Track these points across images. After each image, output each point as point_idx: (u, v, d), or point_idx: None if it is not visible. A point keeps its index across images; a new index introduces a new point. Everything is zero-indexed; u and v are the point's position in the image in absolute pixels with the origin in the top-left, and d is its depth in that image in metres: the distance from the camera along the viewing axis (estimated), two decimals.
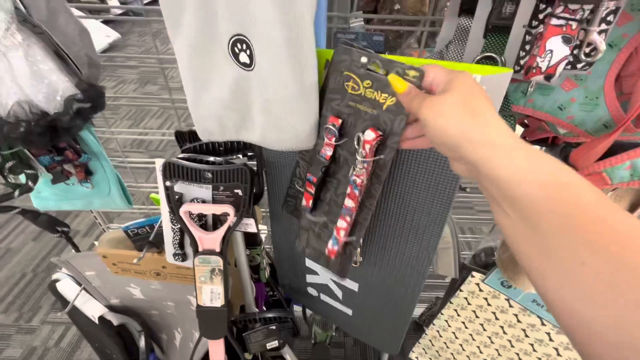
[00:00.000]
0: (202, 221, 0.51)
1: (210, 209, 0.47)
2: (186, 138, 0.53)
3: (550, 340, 0.69)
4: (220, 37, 0.33)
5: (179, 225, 0.52)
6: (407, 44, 0.53)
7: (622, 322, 0.17)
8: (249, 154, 0.52)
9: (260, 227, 0.83)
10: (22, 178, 0.56)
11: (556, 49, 0.31)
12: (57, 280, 0.70)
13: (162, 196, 0.48)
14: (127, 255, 0.59)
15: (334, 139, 0.38)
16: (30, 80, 0.34)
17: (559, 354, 0.70)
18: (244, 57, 0.34)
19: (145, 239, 0.62)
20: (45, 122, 0.35)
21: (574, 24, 0.29)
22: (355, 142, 0.37)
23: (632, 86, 0.36)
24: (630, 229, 0.18)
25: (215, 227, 0.52)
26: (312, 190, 0.42)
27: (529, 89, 0.39)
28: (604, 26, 0.29)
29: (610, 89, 0.37)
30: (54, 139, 0.37)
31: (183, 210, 0.47)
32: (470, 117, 0.24)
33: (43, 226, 0.62)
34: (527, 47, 0.33)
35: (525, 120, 0.50)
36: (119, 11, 3.01)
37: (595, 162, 0.37)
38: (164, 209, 0.50)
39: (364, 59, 0.34)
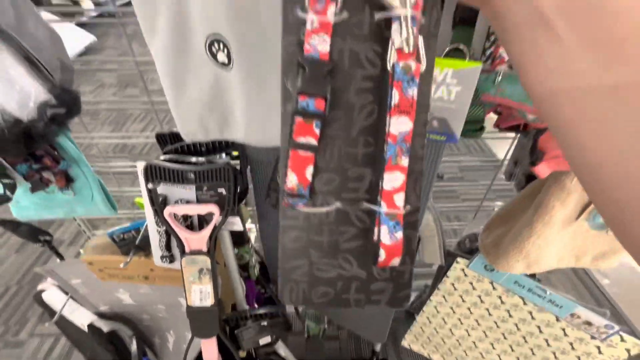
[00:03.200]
0: (188, 222, 0.51)
1: (194, 210, 0.48)
2: (167, 140, 0.53)
3: (533, 318, 0.72)
4: (196, 38, 0.33)
5: (164, 227, 0.52)
6: None
7: None
8: (233, 152, 0.52)
9: (249, 225, 0.84)
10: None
11: None
12: (42, 291, 0.69)
13: (145, 199, 0.48)
14: (113, 260, 0.59)
15: (332, 9, 0.19)
16: (1, 87, 0.34)
17: (541, 331, 0.73)
18: (222, 57, 0.34)
19: (131, 243, 0.61)
20: (19, 130, 0.35)
21: None
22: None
23: None
24: None
25: (201, 227, 0.52)
26: (315, 138, 0.22)
27: (497, 78, 0.40)
28: None
29: None
30: (29, 146, 0.37)
31: (167, 212, 0.47)
32: None
33: (24, 236, 0.61)
34: (492, 37, 0.35)
35: (498, 109, 0.52)
36: (94, 13, 2.93)
37: None
38: (148, 212, 0.50)
39: None
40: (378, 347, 1.01)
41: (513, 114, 0.47)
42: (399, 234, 0.22)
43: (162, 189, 0.47)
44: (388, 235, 0.22)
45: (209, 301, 0.54)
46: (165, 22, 0.32)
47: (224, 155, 0.51)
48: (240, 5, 0.30)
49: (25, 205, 0.65)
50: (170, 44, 0.33)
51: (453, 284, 0.79)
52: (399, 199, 0.22)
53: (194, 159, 0.47)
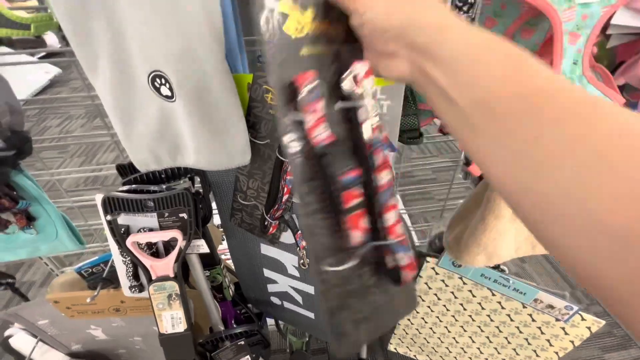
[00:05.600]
0: (153, 249, 0.52)
1: (156, 237, 0.48)
2: (128, 170, 0.54)
3: (502, 308, 0.76)
4: (138, 75, 0.35)
5: (129, 257, 0.52)
6: None
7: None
8: (194, 177, 0.53)
9: (223, 246, 0.84)
10: None
11: None
12: (9, 337, 0.66)
13: (106, 230, 0.49)
14: (80, 296, 0.58)
15: (321, 103, 0.24)
16: None
17: (512, 319, 0.77)
18: (165, 90, 0.36)
19: (100, 276, 0.61)
20: None
21: None
22: (349, 85, 0.25)
23: None
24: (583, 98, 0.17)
25: (167, 253, 0.53)
26: (358, 197, 0.26)
27: None
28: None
29: None
30: None
31: (130, 241, 0.48)
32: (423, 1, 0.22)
33: None
34: None
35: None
36: (57, 45, 2.89)
37: None
38: (112, 243, 0.51)
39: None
40: (364, 354, 1.02)
41: None
42: (411, 253, 0.27)
43: (123, 219, 0.48)
44: (406, 258, 0.27)
45: (181, 326, 0.54)
46: (106, 61, 0.34)
47: (186, 180, 0.53)
48: (177, 46, 0.32)
49: None
50: (113, 81, 0.35)
51: (427, 284, 0.81)
52: (399, 229, 0.27)
53: (153, 187, 0.48)
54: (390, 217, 0.26)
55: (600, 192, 0.15)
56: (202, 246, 0.53)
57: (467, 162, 0.46)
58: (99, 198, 0.46)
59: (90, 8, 0.31)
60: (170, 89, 0.35)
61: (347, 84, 0.25)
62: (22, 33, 0.38)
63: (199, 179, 0.54)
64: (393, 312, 0.30)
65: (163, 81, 0.35)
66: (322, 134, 0.24)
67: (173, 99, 0.36)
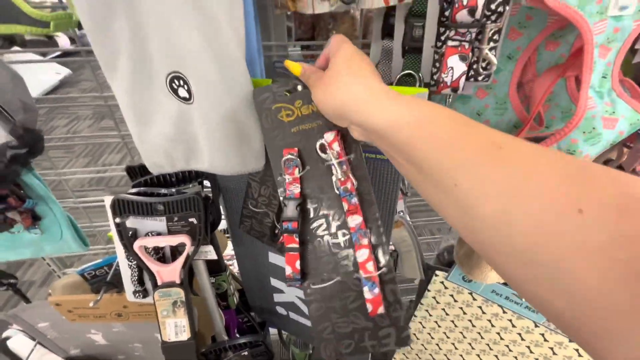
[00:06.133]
0: (160, 254, 0.51)
1: (164, 241, 0.47)
2: (138, 172, 0.53)
3: (513, 326, 0.73)
4: (157, 75, 0.34)
5: (135, 261, 0.51)
6: None
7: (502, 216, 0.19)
8: (204, 181, 0.53)
9: (229, 252, 0.82)
10: None
11: (455, 66, 0.35)
12: (7, 338, 0.65)
13: (114, 233, 0.48)
14: (83, 299, 0.57)
15: (297, 171, 0.35)
16: None
17: (522, 339, 0.74)
18: (182, 92, 0.36)
19: (104, 280, 0.59)
20: None
21: (466, 44, 0.34)
22: (320, 151, 0.34)
23: (530, 90, 0.42)
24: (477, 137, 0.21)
25: (174, 258, 0.51)
26: (295, 245, 0.34)
27: (448, 99, 0.43)
28: (492, 44, 0.34)
29: (514, 95, 0.43)
30: None
31: (137, 245, 0.46)
32: (350, 84, 0.26)
33: None
34: (437, 64, 0.37)
35: None
36: (68, 46, 2.93)
37: None
38: (118, 246, 0.49)
39: (285, 87, 0.35)
40: None
41: None
42: (376, 290, 0.32)
43: (131, 222, 0.47)
44: (369, 293, 0.32)
45: (185, 335, 0.52)
46: (126, 61, 0.33)
47: (197, 183, 0.52)
48: (198, 48, 0.32)
49: None
50: (131, 81, 0.34)
51: (435, 298, 0.79)
52: (370, 266, 0.32)
53: (163, 191, 0.47)
54: (360, 255, 0.33)
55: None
56: (210, 252, 0.51)
57: None
58: (108, 200, 0.45)
59: (112, 7, 0.30)
60: (189, 90, 0.34)
61: (320, 150, 0.34)
62: (40, 30, 0.37)
63: (208, 183, 0.53)
64: (378, 341, 0.33)
65: (181, 82, 0.34)
66: (294, 190, 0.35)
67: (191, 101, 0.35)
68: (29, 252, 0.66)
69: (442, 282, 0.77)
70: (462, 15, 0.32)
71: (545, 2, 0.31)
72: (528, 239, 0.17)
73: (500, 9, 0.32)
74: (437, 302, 0.80)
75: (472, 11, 0.31)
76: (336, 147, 0.33)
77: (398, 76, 0.42)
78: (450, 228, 1.01)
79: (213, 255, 0.52)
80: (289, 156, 0.35)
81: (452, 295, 0.78)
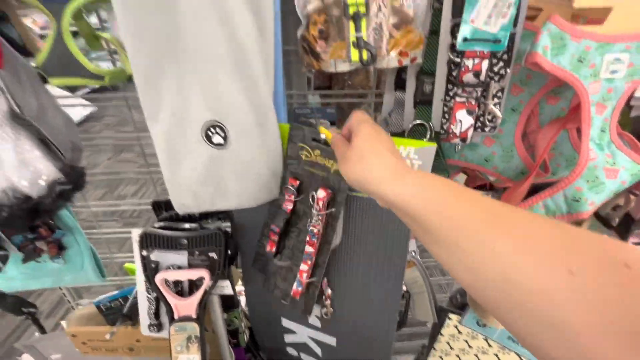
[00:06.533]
0: (179, 287, 0.52)
1: (186, 275, 0.49)
2: (162, 207, 0.56)
3: None
4: (193, 124, 0.39)
5: (154, 294, 0.52)
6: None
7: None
8: (222, 217, 0.55)
9: (239, 288, 0.83)
10: None
11: (463, 119, 0.39)
12: None
13: (138, 266, 0.50)
14: (99, 331, 0.57)
15: (293, 197, 0.45)
16: (17, 169, 0.38)
17: None
18: (217, 139, 0.40)
19: (119, 312, 0.60)
20: (28, 206, 0.38)
21: (473, 100, 0.38)
22: (310, 200, 0.43)
23: (534, 140, 0.45)
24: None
25: (191, 292, 0.53)
26: (276, 238, 0.48)
27: (457, 147, 0.46)
28: (496, 100, 0.38)
29: (519, 144, 0.46)
30: (34, 220, 0.40)
31: (159, 278, 0.48)
32: (369, 164, 0.31)
33: (8, 309, 0.60)
34: (447, 116, 0.41)
35: (467, 170, 0.58)
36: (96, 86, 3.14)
37: (520, 203, 0.44)
38: (140, 278, 0.51)
39: (315, 136, 0.42)
40: None
41: (478, 175, 0.52)
42: (300, 288, 0.48)
43: (155, 255, 0.49)
44: (295, 285, 0.49)
45: None
46: (168, 113, 0.38)
47: (216, 219, 0.54)
48: (241, 100, 0.36)
49: (12, 275, 0.64)
50: (169, 129, 0.39)
51: (448, 343, 0.77)
52: (305, 275, 0.48)
53: (187, 225, 0.50)
54: (302, 266, 0.47)
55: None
56: (226, 287, 0.52)
57: None
58: (135, 233, 0.48)
59: (164, 68, 0.36)
60: (224, 137, 0.39)
61: (311, 198, 0.44)
62: (95, 82, 0.43)
63: (226, 218, 0.55)
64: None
65: (218, 130, 0.39)
66: (288, 206, 0.46)
67: (225, 146, 0.39)
68: (49, 282, 0.67)
69: (455, 327, 0.75)
70: (468, 77, 0.36)
71: (542, 66, 0.35)
72: (525, 296, 0.19)
73: (502, 71, 0.36)
74: (451, 348, 0.77)
75: (477, 74, 0.35)
76: (322, 203, 0.43)
77: (411, 125, 0.45)
78: None
79: (229, 290, 0.53)
80: (290, 186, 0.45)
81: (466, 341, 0.75)
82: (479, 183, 0.55)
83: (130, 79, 0.40)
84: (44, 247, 0.61)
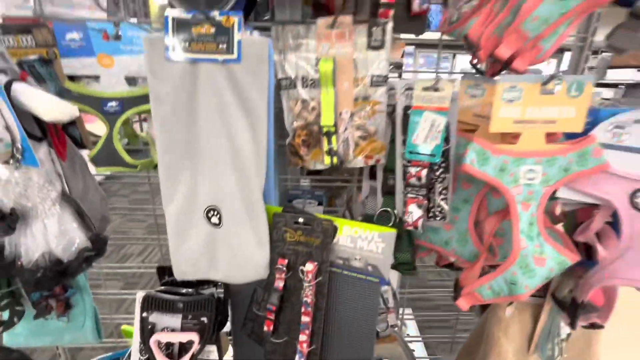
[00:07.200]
0: (169, 350, 0.56)
1: (177, 337, 0.54)
2: (166, 272, 0.64)
3: None
4: (199, 207, 0.49)
5: (147, 356, 0.57)
6: (345, 196, 0.74)
7: None
8: (218, 284, 0.62)
9: (228, 357, 0.83)
10: (5, 315, 0.62)
11: (414, 211, 0.48)
12: None
13: (136, 327, 0.55)
14: None
15: (284, 275, 0.52)
16: (57, 238, 0.47)
17: None
18: (215, 220, 0.50)
19: None
20: (58, 269, 0.46)
21: (421, 197, 0.47)
22: (300, 274, 0.50)
23: (483, 227, 0.53)
24: None
25: (180, 355, 0.57)
26: (272, 316, 0.53)
27: (419, 230, 0.55)
28: (443, 196, 0.48)
29: (472, 230, 0.54)
30: (60, 281, 0.47)
31: (153, 340, 0.53)
32: None
33: None
34: (403, 207, 0.51)
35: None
36: None
37: (473, 282, 0.50)
38: (136, 339, 0.56)
39: (295, 219, 0.50)
40: None
41: (442, 255, 0.60)
42: (302, 359, 0.52)
43: (153, 317, 0.55)
44: (298, 357, 0.52)
45: None
46: (181, 197, 0.48)
47: (211, 286, 0.61)
48: (237, 190, 0.47)
49: (18, 331, 0.69)
50: (180, 210, 0.49)
51: None
52: (304, 345, 0.52)
53: (184, 290, 0.56)
54: (301, 336, 0.52)
55: None
56: (213, 352, 0.57)
57: (455, 297, 0.51)
58: (139, 295, 0.55)
59: (183, 165, 0.47)
60: (219, 219, 0.48)
61: (301, 272, 0.50)
62: (128, 170, 0.55)
63: (221, 285, 0.62)
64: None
65: (215, 213, 0.49)
66: (279, 284, 0.52)
67: (220, 226, 0.49)
68: (49, 340, 0.72)
69: None
70: (413, 180, 0.47)
71: (472, 174, 0.45)
72: None
73: (443, 175, 0.47)
74: None
75: (419, 179, 0.46)
76: (311, 275, 0.49)
77: (378, 211, 0.55)
78: (451, 347, 0.98)
79: (215, 356, 0.57)
80: (280, 265, 0.51)
81: None
82: (446, 262, 0.62)
83: (155, 167, 0.52)
84: (54, 304, 0.67)
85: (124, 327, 0.82)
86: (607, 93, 3.55)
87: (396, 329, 0.75)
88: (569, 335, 0.60)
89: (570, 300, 0.51)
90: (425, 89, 0.44)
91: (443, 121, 0.44)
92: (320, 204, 0.69)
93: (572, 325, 0.50)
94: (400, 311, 0.99)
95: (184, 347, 0.57)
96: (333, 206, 0.78)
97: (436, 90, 0.44)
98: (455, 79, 0.53)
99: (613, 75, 3.54)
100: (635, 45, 0.46)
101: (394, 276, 0.74)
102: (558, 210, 0.54)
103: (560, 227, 0.56)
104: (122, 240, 2.30)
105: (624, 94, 3.48)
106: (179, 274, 0.53)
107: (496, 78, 0.46)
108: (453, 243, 0.55)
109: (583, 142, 0.45)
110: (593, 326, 0.51)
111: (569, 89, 0.44)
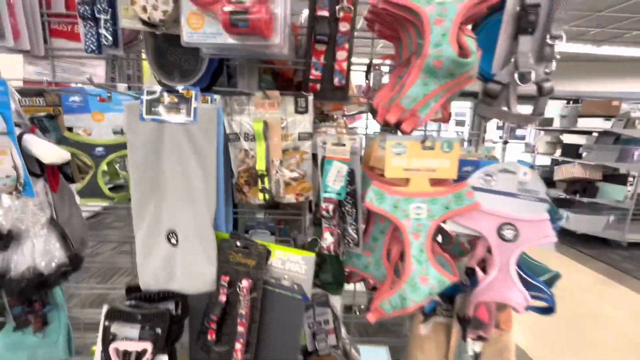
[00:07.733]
0: (127, 358, 0.65)
1: (133, 346, 0.63)
2: (133, 290, 0.74)
3: None
4: (161, 231, 0.61)
5: None
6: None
7: None
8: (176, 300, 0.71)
9: None
10: None
11: (328, 238, 0.60)
12: None
13: (99, 336, 0.64)
14: None
15: (226, 290, 0.62)
16: (41, 255, 0.59)
17: None
18: (173, 240, 0.62)
19: None
20: (38, 280, 0.57)
21: (333, 227, 0.60)
22: (237, 289, 0.60)
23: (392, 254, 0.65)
24: None
25: None
26: (214, 326, 0.62)
27: (343, 256, 0.66)
28: (352, 226, 0.60)
29: (384, 259, 0.66)
30: (39, 291, 0.58)
31: (112, 347, 0.62)
32: None
33: None
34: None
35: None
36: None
37: (381, 296, 0.61)
38: (98, 348, 0.65)
39: (237, 244, 0.62)
40: None
41: (365, 278, 0.70)
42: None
43: (114, 327, 0.64)
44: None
45: None
46: (147, 224, 0.61)
47: (172, 302, 0.71)
48: (187, 218, 0.59)
49: None
50: (146, 233, 0.61)
51: None
52: (240, 354, 0.60)
53: (146, 305, 0.66)
54: (237, 346, 0.61)
55: None
56: None
57: (367, 311, 0.62)
58: (105, 308, 0.65)
59: (150, 197, 0.60)
60: (177, 240, 0.60)
61: (238, 289, 0.61)
62: (108, 201, 0.68)
63: (179, 301, 0.72)
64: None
65: (174, 235, 0.61)
66: (223, 299, 0.62)
67: (177, 246, 0.61)
68: (24, 356, 0.79)
69: None
70: (325, 213, 0.59)
71: (372, 209, 0.58)
72: None
73: (351, 210, 0.59)
74: None
75: (328, 212, 0.59)
76: (245, 290, 0.59)
77: (309, 239, 0.67)
78: None
79: None
80: (223, 281, 0.61)
81: None
82: (372, 285, 0.72)
83: (129, 200, 0.65)
84: (32, 319, 0.76)
85: (93, 347, 0.89)
86: (579, 139, 3.80)
87: (339, 350, 0.83)
88: (477, 354, 0.69)
89: (462, 315, 0.61)
90: (334, 144, 0.59)
91: (345, 168, 0.58)
92: (272, 233, 0.81)
93: (463, 337, 0.59)
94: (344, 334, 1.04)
95: (140, 357, 0.65)
96: (289, 236, 0.90)
97: (342, 145, 0.59)
98: (368, 135, 0.68)
99: (584, 123, 3.81)
100: (495, 114, 0.61)
101: (337, 300, 0.83)
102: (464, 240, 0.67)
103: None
104: (110, 271, 2.35)
105: (596, 141, 3.73)
106: (144, 285, 0.63)
107: (389, 136, 0.61)
108: (371, 267, 0.67)
109: (458, 186, 0.59)
110: (480, 339, 0.61)
111: (442, 146, 0.59)
